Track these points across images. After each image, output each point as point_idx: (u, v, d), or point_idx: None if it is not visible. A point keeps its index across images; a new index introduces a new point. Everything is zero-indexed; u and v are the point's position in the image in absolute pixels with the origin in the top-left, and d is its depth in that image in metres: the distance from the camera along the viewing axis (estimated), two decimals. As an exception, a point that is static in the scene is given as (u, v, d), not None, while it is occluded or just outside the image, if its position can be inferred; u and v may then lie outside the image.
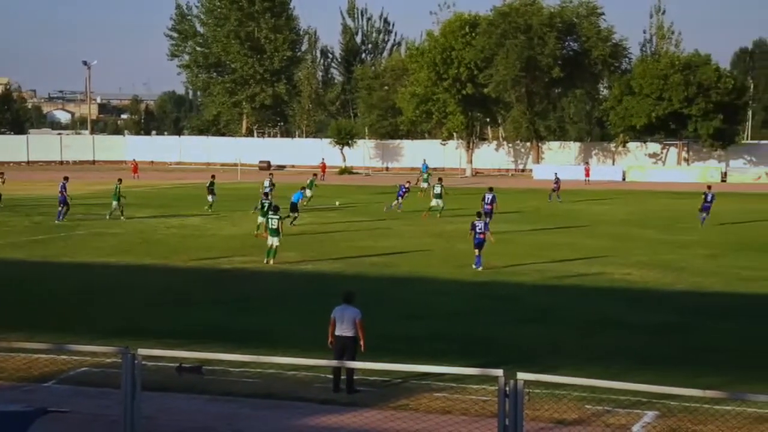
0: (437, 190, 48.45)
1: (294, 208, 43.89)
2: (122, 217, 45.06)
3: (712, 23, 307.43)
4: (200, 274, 30.29)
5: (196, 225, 44.29)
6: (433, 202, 48.20)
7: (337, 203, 55.21)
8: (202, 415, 15.07)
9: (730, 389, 15.39)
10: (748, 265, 31.72)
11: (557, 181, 61.10)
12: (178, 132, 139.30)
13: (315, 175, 60.64)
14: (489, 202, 42.88)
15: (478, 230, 30.50)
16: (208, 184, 51.01)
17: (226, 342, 19.15)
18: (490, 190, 44.85)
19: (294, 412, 15.31)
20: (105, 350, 14.62)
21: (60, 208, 44.46)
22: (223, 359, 15.42)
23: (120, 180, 46.77)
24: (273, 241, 31.67)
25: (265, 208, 36.37)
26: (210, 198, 50.19)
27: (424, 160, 77.53)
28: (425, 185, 60.19)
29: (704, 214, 43.49)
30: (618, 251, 35.29)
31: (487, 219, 37.57)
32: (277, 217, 31.99)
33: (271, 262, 31.38)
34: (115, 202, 45.71)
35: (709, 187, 45.89)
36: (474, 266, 30.40)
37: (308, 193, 51.96)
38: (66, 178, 46.15)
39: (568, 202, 58.08)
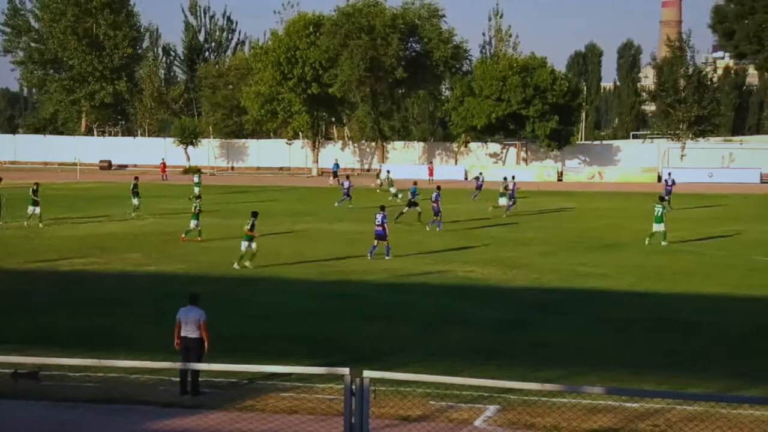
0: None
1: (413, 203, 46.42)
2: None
3: (548, 27, 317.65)
4: (38, 276, 29.29)
5: (33, 226, 42.75)
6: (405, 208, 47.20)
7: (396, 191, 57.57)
8: (40, 422, 14.60)
9: (567, 382, 16.00)
10: (582, 261, 32.93)
11: (478, 179, 63.33)
12: (13, 130, 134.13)
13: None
14: (434, 199, 43.15)
15: (377, 222, 33.23)
16: (132, 186, 48.72)
17: (66, 346, 18.61)
18: (438, 188, 45.46)
19: (138, 416, 15.01)
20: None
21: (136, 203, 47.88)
22: (62, 364, 14.95)
23: None
24: (246, 246, 30.80)
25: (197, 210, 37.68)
26: (135, 201, 48.11)
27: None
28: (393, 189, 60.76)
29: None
30: (461, 249, 36.03)
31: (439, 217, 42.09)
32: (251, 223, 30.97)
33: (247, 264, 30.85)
34: None
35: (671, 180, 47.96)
36: (369, 256, 32.95)
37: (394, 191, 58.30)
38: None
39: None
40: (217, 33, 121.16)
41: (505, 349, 20.09)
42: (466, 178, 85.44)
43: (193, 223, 37.65)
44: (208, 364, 14.94)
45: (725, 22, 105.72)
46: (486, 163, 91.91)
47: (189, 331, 16.26)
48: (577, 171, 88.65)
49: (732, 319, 23.62)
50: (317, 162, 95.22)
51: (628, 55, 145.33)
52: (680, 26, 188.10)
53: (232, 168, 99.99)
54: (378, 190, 66.96)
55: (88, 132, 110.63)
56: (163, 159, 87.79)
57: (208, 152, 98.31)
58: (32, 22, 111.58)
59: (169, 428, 14.61)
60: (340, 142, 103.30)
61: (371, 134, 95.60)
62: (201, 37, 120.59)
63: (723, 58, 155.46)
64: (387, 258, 32.87)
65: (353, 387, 10.83)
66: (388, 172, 67.03)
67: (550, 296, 26.74)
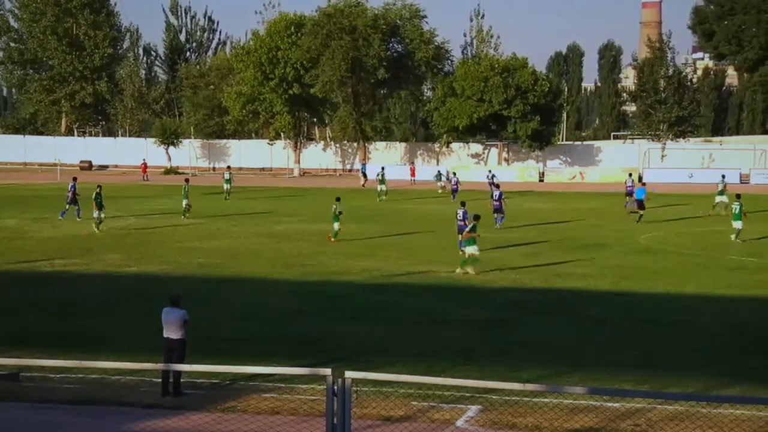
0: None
1: (642, 205, 46.81)
2: None
3: (529, 28, 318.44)
4: (18, 277, 29.14)
5: (13, 227, 42.58)
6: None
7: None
8: (20, 423, 14.54)
9: (548, 382, 16.08)
10: (563, 262, 33.03)
11: (456, 182, 63.69)
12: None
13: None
14: (497, 198, 43.69)
15: (458, 218, 34.20)
16: (94, 196, 42.10)
17: (46, 348, 18.53)
18: (497, 187, 45.67)
19: (119, 417, 14.98)
20: None
21: (67, 207, 45.94)
22: (42, 365, 14.92)
23: None
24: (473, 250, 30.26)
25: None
26: (97, 213, 41.67)
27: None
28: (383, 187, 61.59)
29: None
30: (443, 250, 36.06)
31: (502, 215, 43.20)
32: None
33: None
34: None
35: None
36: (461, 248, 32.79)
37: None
38: (75, 179, 48.38)
39: (393, 201, 58.96)
40: (198, 33, 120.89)
41: (485, 349, 20.14)
42: (448, 178, 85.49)
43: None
44: (190, 365, 14.91)
45: (705, 23, 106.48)
46: (467, 163, 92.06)
47: (171, 332, 16.24)
48: (559, 171, 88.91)
49: (711, 319, 23.77)
50: (299, 162, 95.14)
51: (609, 56, 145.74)
52: (660, 27, 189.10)
53: (214, 169, 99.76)
54: (440, 191, 68.03)
55: (69, 132, 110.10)
56: (144, 159, 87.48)
57: (189, 153, 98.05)
58: (12, 22, 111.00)
59: (151, 429, 14.58)
60: (322, 142, 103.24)
61: (353, 135, 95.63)
62: (182, 37, 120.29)
63: (703, 59, 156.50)
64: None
65: (335, 387, 10.84)
66: (383, 168, 66.75)
67: (531, 296, 26.83)
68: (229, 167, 69.72)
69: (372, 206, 56.28)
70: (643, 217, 45.77)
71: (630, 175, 60.27)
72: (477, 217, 31.16)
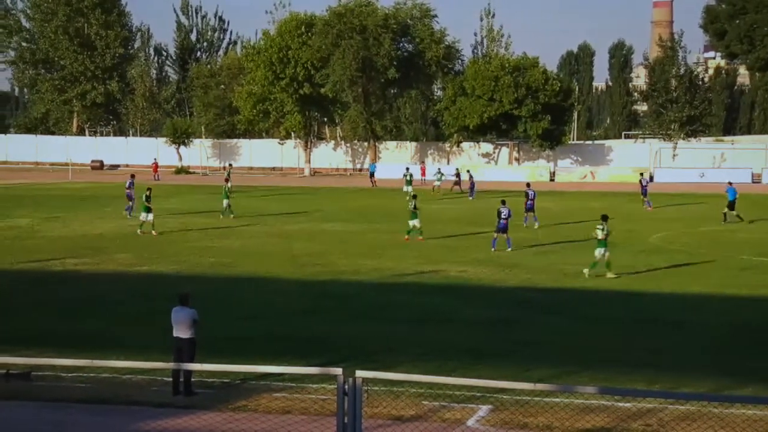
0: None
1: (732, 205, 46.51)
2: None
3: (539, 27, 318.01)
4: (29, 276, 29.22)
5: (25, 226, 42.72)
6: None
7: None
8: (32, 422, 14.59)
9: (558, 382, 16.05)
10: (573, 261, 32.93)
11: (471, 178, 64.53)
12: (4, 130, 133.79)
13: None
14: (531, 197, 44.21)
15: (503, 216, 35.25)
16: (144, 198, 40.78)
17: (58, 347, 18.57)
18: (528, 185, 46.17)
19: (130, 416, 15.01)
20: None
21: (131, 204, 46.73)
22: (54, 364, 14.96)
23: None
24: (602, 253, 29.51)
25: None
26: (146, 216, 40.29)
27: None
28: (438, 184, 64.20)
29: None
30: (455, 249, 36.05)
31: (533, 214, 43.68)
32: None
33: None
34: None
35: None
36: (507, 249, 34.87)
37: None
38: (133, 176, 49.76)
39: (404, 201, 58.79)
40: (209, 33, 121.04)
41: (496, 349, 20.12)
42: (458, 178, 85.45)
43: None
44: (201, 364, 14.94)
45: (717, 22, 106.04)
46: (478, 162, 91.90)
47: (180, 332, 16.27)
48: (569, 171, 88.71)
49: (721, 319, 23.68)
50: (309, 162, 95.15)
51: (620, 55, 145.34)
52: (672, 26, 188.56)
53: (224, 168, 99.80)
54: (433, 190, 67.38)
55: (80, 132, 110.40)
56: (155, 159, 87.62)
57: (200, 152, 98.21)
58: (24, 22, 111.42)
59: (162, 428, 14.61)
60: (333, 142, 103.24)
61: (363, 134, 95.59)
62: (193, 37, 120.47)
63: (714, 58, 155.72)
64: (509, 249, 34.95)
65: (346, 387, 10.84)
66: (407, 169, 66.44)
67: (542, 296, 26.79)
68: (230, 164, 69.91)
69: (381, 205, 56.20)
70: (732, 217, 46.12)
71: (642, 174, 60.29)
72: (605, 218, 30.26)
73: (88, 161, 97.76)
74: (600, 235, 29.55)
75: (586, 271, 29.47)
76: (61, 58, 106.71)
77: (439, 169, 74.27)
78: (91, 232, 40.86)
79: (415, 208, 38.35)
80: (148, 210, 40.16)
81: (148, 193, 41.01)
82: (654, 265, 32.28)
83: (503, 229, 35.63)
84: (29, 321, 22.33)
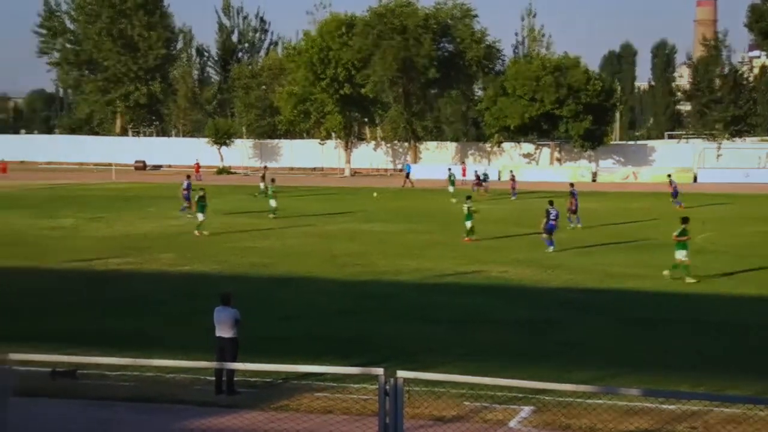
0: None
1: None
2: None
3: (581, 27, 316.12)
4: (74, 276, 29.55)
5: (70, 227, 43.20)
6: None
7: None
8: (77, 420, 14.73)
9: (602, 383, 15.90)
10: (616, 262, 32.72)
11: (513, 179, 65.58)
12: (49, 131, 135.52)
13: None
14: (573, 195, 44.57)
15: (551, 217, 35.61)
16: (197, 199, 41.61)
17: (102, 345, 18.74)
18: (572, 185, 46.42)
19: (174, 415, 15.10)
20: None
21: (187, 204, 47.15)
22: (99, 363, 15.06)
23: None
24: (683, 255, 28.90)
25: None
26: (201, 215, 40.67)
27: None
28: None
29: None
30: (496, 250, 35.93)
31: (576, 215, 43.73)
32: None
33: None
34: None
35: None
36: (549, 249, 34.98)
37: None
38: (189, 177, 50.75)
39: (444, 201, 58.76)
40: (250, 33, 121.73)
41: (538, 350, 20.01)
42: (499, 179, 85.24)
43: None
44: (243, 363, 15.00)
45: (762, 21, 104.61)
46: (519, 162, 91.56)
47: (223, 331, 16.34)
48: (612, 171, 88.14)
49: (766, 320, 23.39)
50: (350, 162, 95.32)
51: (663, 55, 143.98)
52: (715, 25, 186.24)
53: (266, 168, 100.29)
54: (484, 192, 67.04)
55: (123, 132, 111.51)
56: (197, 159, 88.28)
57: (241, 152, 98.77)
58: (68, 24, 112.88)
59: (205, 427, 14.69)
60: (373, 142, 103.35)
61: (404, 134, 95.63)
62: (234, 38, 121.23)
63: (759, 57, 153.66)
64: (551, 249, 35.01)
65: (387, 387, 10.82)
66: (449, 170, 66.43)
67: (584, 297, 26.60)
68: (265, 166, 70.53)
69: (422, 206, 56.14)
70: None
71: (669, 175, 60.66)
72: (686, 220, 29.52)
73: (131, 162, 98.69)
74: (683, 237, 28.72)
75: (666, 272, 29.11)
76: (105, 59, 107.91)
77: (449, 169, 71.38)
78: (134, 232, 41.22)
79: (471, 209, 38.24)
80: (203, 210, 40.60)
81: (202, 193, 41.37)
82: (698, 266, 31.88)
83: (551, 230, 35.51)
84: (74, 320, 22.56)
